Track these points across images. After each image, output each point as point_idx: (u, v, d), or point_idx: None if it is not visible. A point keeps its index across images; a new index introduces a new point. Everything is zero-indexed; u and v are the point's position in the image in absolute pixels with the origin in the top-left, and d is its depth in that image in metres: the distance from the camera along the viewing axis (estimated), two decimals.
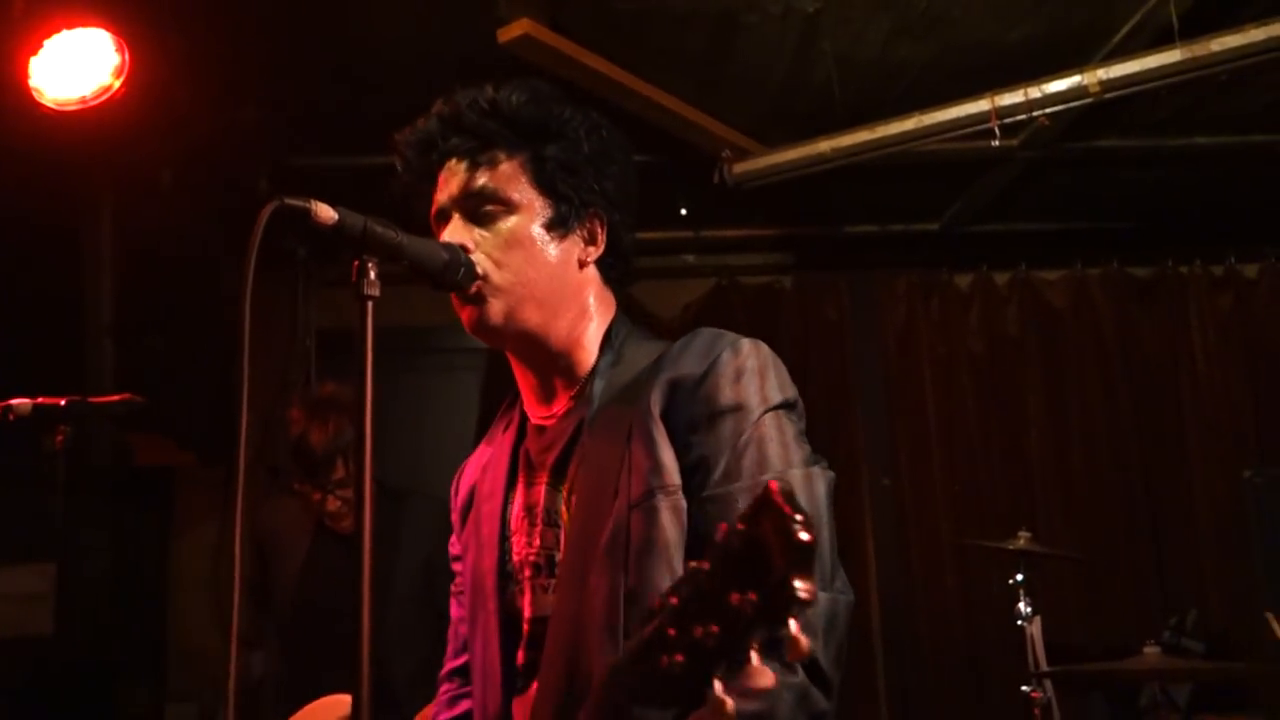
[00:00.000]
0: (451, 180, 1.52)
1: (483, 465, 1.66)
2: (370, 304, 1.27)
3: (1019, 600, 3.88)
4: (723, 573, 0.81)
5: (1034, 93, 3.53)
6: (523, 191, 1.50)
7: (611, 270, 1.59)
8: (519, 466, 1.59)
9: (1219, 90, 3.90)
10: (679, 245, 5.29)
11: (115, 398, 2.27)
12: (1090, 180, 4.90)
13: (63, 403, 2.20)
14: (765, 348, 1.46)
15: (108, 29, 2.80)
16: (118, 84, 2.75)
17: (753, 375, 1.41)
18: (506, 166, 1.51)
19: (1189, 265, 5.38)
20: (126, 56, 2.78)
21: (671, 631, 0.84)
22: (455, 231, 1.49)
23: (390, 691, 2.82)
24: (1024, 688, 3.79)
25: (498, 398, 1.64)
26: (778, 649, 0.78)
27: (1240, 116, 4.26)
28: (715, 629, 0.80)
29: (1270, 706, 4.38)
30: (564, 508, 1.49)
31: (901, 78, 3.86)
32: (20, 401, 2.17)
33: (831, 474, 1.41)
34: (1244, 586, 4.76)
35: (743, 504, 1.23)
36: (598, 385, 1.51)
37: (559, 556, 1.48)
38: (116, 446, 3.82)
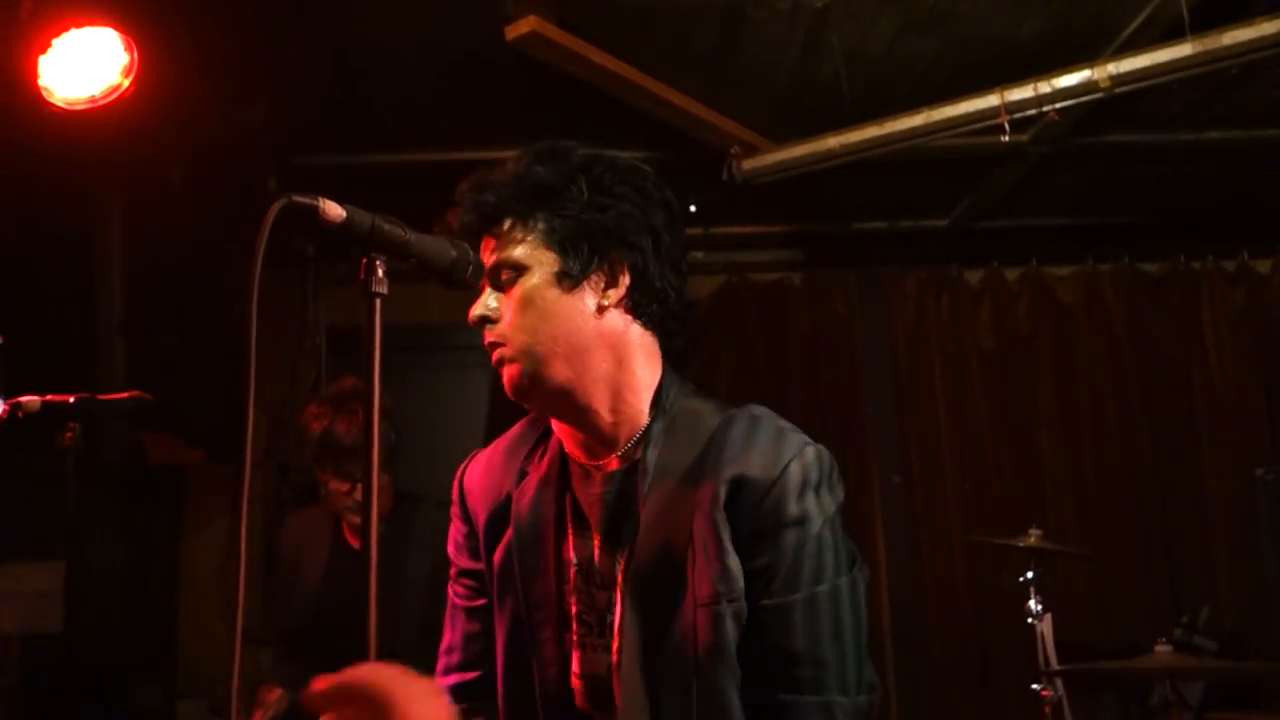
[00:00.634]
0: (484, 254, 1.56)
1: (513, 478, 1.64)
2: (378, 301, 1.27)
3: (1030, 598, 3.87)
4: None
5: (1044, 88, 3.51)
6: (531, 253, 1.52)
7: (645, 311, 1.56)
8: (566, 513, 1.59)
9: (1230, 84, 3.88)
10: (689, 242, 5.27)
11: (124, 395, 2.28)
12: (1101, 175, 4.88)
13: (72, 400, 2.21)
14: (826, 455, 1.50)
15: (116, 28, 2.80)
16: (127, 83, 2.75)
17: (816, 486, 1.46)
18: (516, 232, 1.54)
19: (1201, 261, 5.36)
20: (135, 55, 2.78)
21: None
22: (477, 305, 1.55)
23: None
24: (1034, 685, 3.78)
25: (507, 396, 1.63)
26: None
27: (1252, 111, 4.24)
28: None
29: None
30: (619, 576, 1.52)
31: (910, 73, 3.85)
32: (30, 399, 2.17)
33: (868, 570, 1.52)
34: (1256, 584, 4.74)
35: (799, 616, 1.42)
36: (651, 456, 1.52)
37: (614, 621, 1.51)
38: (127, 445, 3.83)
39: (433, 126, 3.99)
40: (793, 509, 1.43)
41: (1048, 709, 3.75)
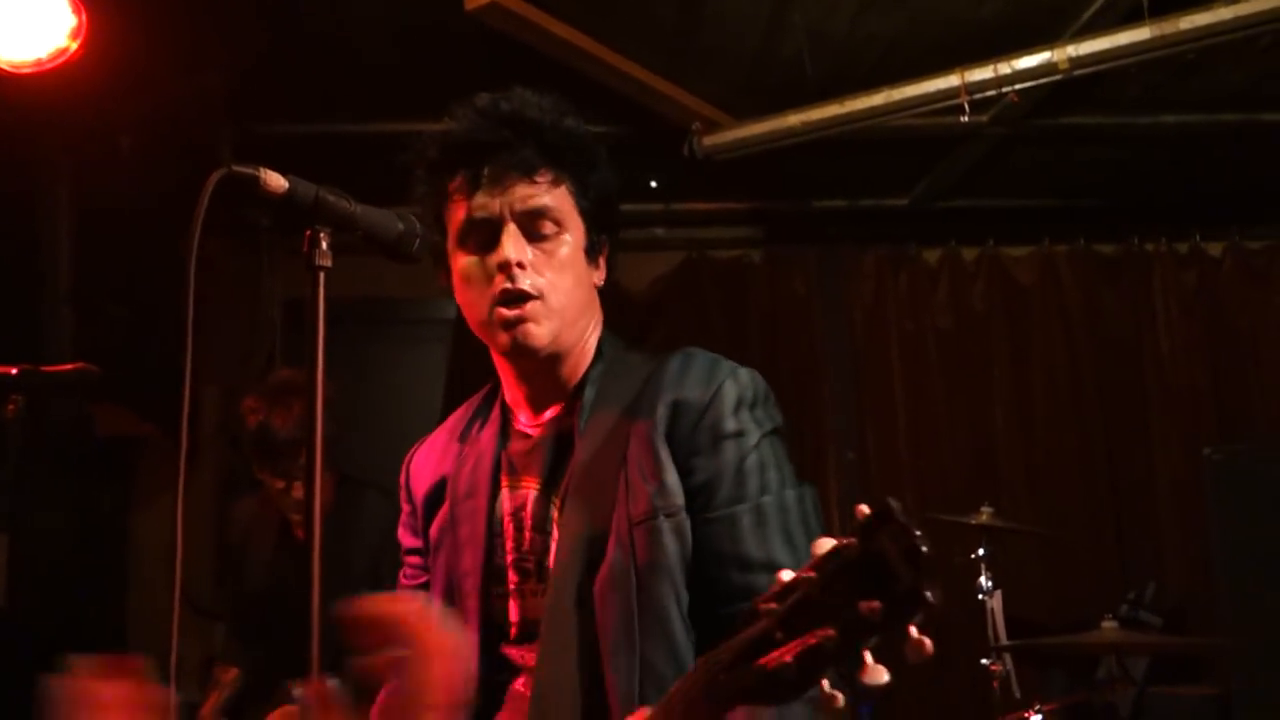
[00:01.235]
0: (509, 190, 1.51)
1: (452, 458, 1.66)
2: (322, 275, 1.25)
3: (980, 574, 3.91)
4: (837, 581, 0.88)
5: (1004, 69, 3.53)
6: (570, 217, 1.54)
7: (603, 291, 1.65)
8: (501, 469, 1.60)
9: (1187, 69, 3.91)
10: (649, 218, 5.27)
11: (70, 367, 2.23)
12: (1058, 158, 4.92)
13: (15, 372, 2.16)
14: (760, 377, 1.54)
15: None
16: (75, 46, 2.69)
17: (751, 404, 1.50)
18: (560, 189, 1.54)
19: (1154, 243, 5.42)
20: (84, 18, 2.71)
21: (779, 635, 0.91)
22: (516, 247, 1.49)
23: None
24: (984, 660, 3.83)
25: (464, 369, 1.63)
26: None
27: (1209, 95, 4.28)
28: (831, 632, 0.86)
29: (1225, 678, 4.45)
30: (555, 515, 1.52)
31: (872, 52, 3.85)
32: None
33: (815, 490, 1.53)
34: (1202, 561, 4.82)
35: (746, 523, 1.42)
36: (588, 393, 1.55)
37: (550, 562, 1.51)
38: (75, 417, 3.77)
39: (391, 96, 3.94)
40: (729, 424, 1.47)
41: (996, 684, 3.80)
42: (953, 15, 3.63)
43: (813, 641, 0.87)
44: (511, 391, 1.63)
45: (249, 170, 1.21)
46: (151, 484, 4.93)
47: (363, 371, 4.79)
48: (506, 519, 1.58)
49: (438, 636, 1.00)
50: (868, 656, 0.87)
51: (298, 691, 2.79)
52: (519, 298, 1.49)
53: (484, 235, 1.52)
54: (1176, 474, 5.11)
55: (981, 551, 3.93)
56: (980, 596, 3.91)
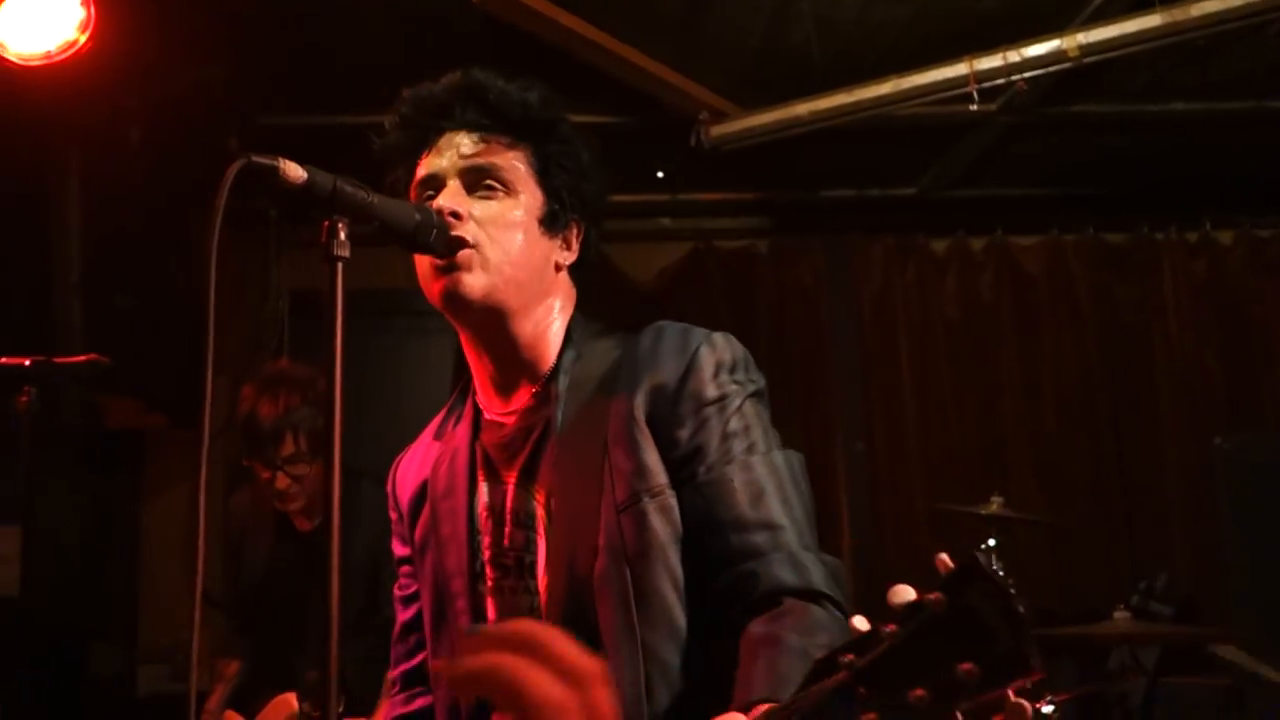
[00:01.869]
0: (455, 148, 1.51)
1: (432, 461, 1.64)
2: (340, 265, 1.24)
3: (991, 565, 3.90)
4: (925, 638, 0.85)
5: (1013, 57, 3.51)
6: (523, 182, 1.52)
7: (576, 276, 1.61)
8: (477, 463, 1.58)
9: (1197, 56, 3.89)
10: (655, 208, 5.26)
11: (81, 358, 2.24)
12: (1067, 146, 4.90)
13: (27, 363, 2.17)
14: (735, 340, 1.51)
15: None
16: (83, 39, 2.70)
17: (731, 368, 1.47)
18: (513, 154, 1.52)
19: (1164, 232, 5.40)
20: (92, 11, 2.72)
21: (861, 691, 0.88)
22: (452, 196, 1.47)
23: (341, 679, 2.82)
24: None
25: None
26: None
27: (1218, 83, 4.26)
28: (922, 693, 0.83)
29: (1236, 669, 4.44)
30: (539, 510, 1.49)
31: (880, 40, 3.83)
32: None
33: (801, 455, 1.49)
34: (1213, 551, 4.81)
35: (738, 483, 1.39)
36: (562, 382, 1.52)
37: (537, 559, 1.49)
38: (86, 408, 3.78)
39: (398, 88, 3.93)
40: (710, 391, 1.45)
41: None
42: (961, 3, 3.61)
43: (902, 701, 0.85)
44: (478, 376, 1.59)
45: (268, 160, 1.21)
46: (161, 475, 4.95)
47: (370, 363, 4.80)
48: (484, 515, 1.55)
49: (578, 665, 0.95)
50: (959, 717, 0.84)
51: (312, 676, 2.80)
52: (451, 242, 1.44)
53: (431, 193, 1.50)
54: (1187, 463, 5.10)
55: (992, 542, 3.93)
56: None
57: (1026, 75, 3.56)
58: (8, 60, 2.69)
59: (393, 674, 1.71)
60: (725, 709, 1.27)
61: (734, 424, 1.44)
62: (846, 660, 0.90)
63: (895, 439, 5.21)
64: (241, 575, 3.20)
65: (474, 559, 1.54)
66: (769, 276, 5.34)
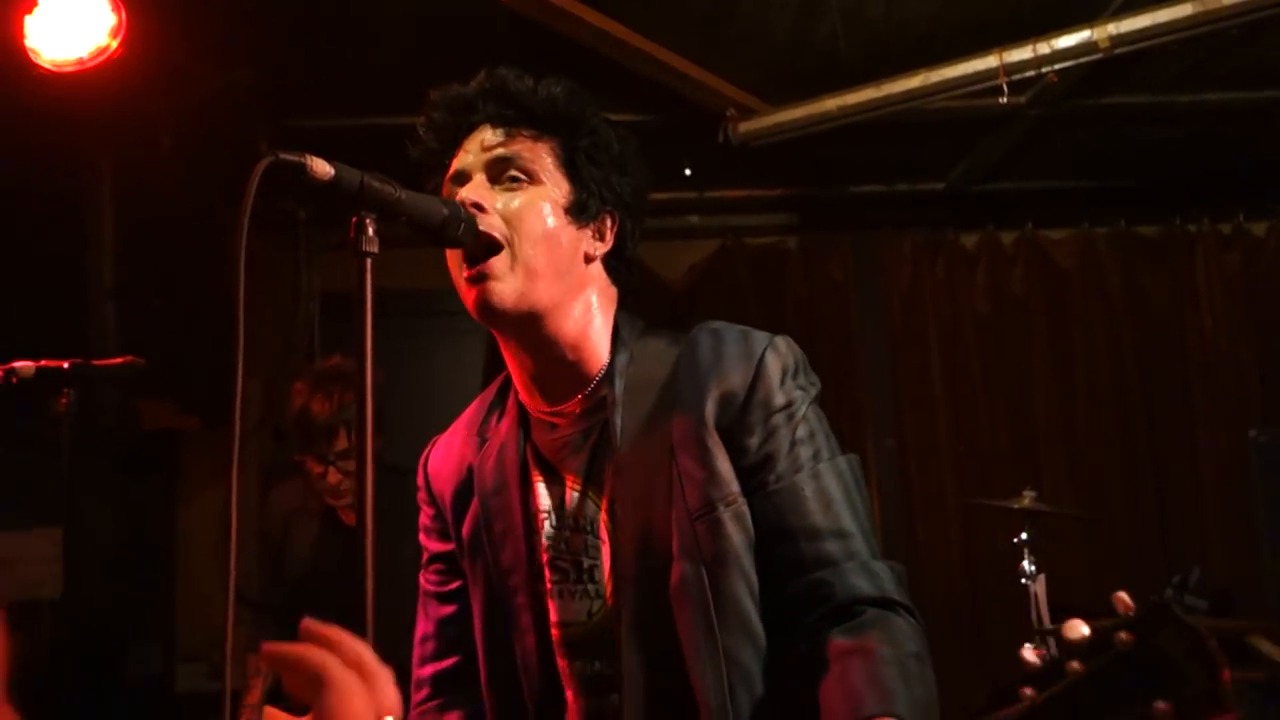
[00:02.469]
0: (479, 143, 1.52)
1: (473, 455, 1.62)
2: (369, 261, 1.24)
3: (1023, 559, 3.88)
4: (1112, 676, 0.90)
5: (1043, 49, 3.49)
6: (549, 173, 1.51)
7: (615, 273, 1.60)
8: (529, 462, 1.57)
9: (1230, 45, 3.85)
10: (683, 206, 5.26)
11: (118, 360, 2.27)
12: (1098, 138, 4.85)
13: (66, 366, 2.20)
14: (794, 343, 1.53)
15: None
16: (115, 44, 2.72)
17: (794, 373, 1.50)
18: (539, 145, 1.52)
19: (1197, 224, 5.34)
20: (123, 16, 2.75)
21: None
22: (475, 189, 1.48)
23: (402, 675, 2.84)
24: (1027, 645, 3.80)
25: (503, 360, 1.61)
26: None
27: (1252, 72, 4.21)
28: None
29: (1271, 661, 4.39)
30: (602, 515, 1.50)
31: (908, 34, 3.81)
32: (23, 364, 2.16)
33: (859, 458, 1.54)
34: (1247, 545, 4.76)
35: (809, 491, 1.42)
36: (618, 385, 1.51)
37: (599, 564, 1.49)
38: (122, 411, 3.82)
39: (426, 89, 3.95)
40: (778, 398, 1.47)
41: None
42: None
43: None
44: (518, 377, 1.58)
45: (295, 157, 1.21)
46: (195, 477, 5.00)
47: (402, 364, 4.82)
48: (541, 514, 1.55)
49: (350, 670, 1.03)
50: None
51: None
52: (480, 241, 1.44)
53: (459, 189, 1.51)
54: (1221, 456, 5.05)
55: (1024, 536, 3.90)
56: (1023, 581, 3.88)
57: (1057, 67, 3.53)
58: (41, 66, 2.72)
59: (421, 674, 1.66)
60: (804, 714, 1.32)
61: (801, 431, 1.47)
62: (1026, 693, 0.94)
63: (926, 434, 5.18)
64: (285, 571, 3.22)
65: (531, 557, 1.54)
66: (798, 273, 5.33)
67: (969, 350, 5.25)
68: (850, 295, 5.31)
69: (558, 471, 1.55)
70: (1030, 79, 3.70)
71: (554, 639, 1.53)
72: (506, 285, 1.45)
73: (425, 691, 1.66)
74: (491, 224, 1.45)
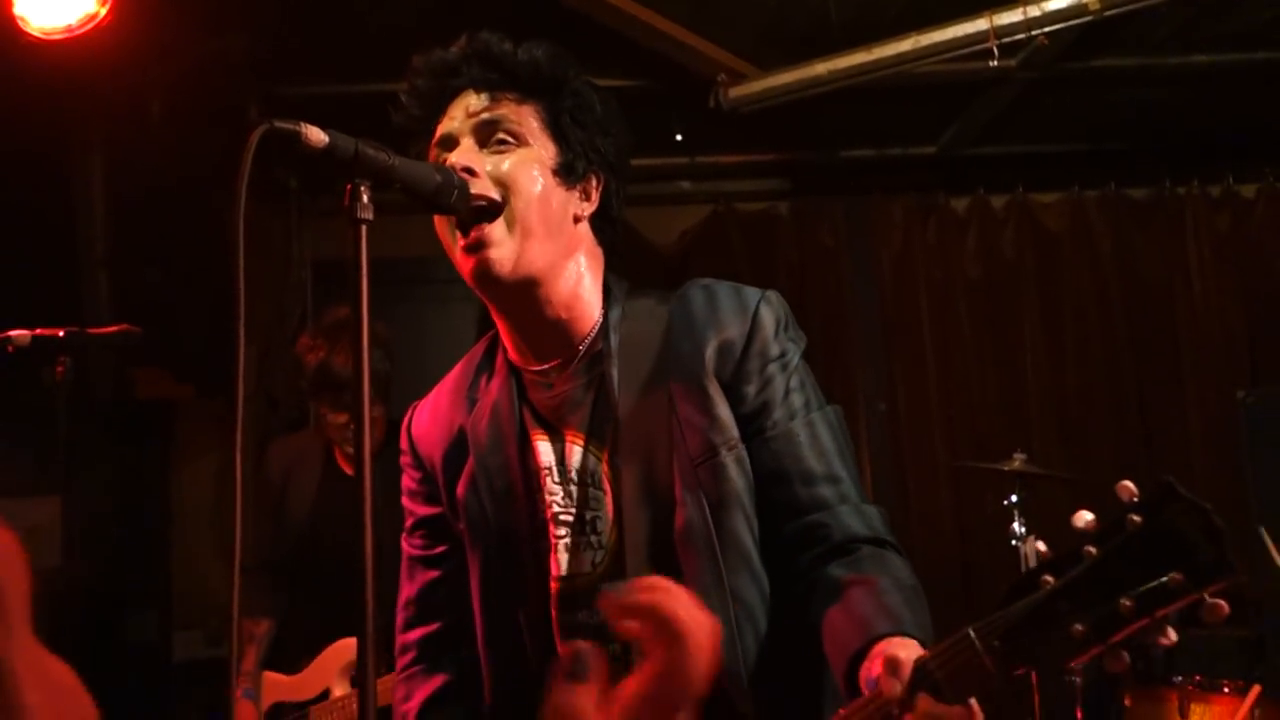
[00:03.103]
0: (465, 107, 1.53)
1: (463, 416, 1.62)
2: (364, 228, 1.25)
3: (1014, 521, 3.92)
4: (1125, 555, 0.97)
5: (1033, 11, 3.48)
6: (535, 135, 1.53)
7: (601, 233, 1.61)
8: (527, 421, 1.58)
9: (1219, 6, 3.85)
10: (674, 171, 5.25)
11: (113, 329, 2.27)
12: (1088, 101, 4.85)
13: (61, 334, 2.20)
14: (782, 297, 1.59)
15: None
16: (104, 11, 2.70)
17: (786, 326, 1.56)
18: (524, 107, 1.53)
19: (1186, 186, 5.36)
20: None
21: (1062, 604, 1.00)
22: (464, 153, 1.49)
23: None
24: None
25: (494, 328, 1.62)
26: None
27: (1241, 33, 4.21)
28: (1129, 602, 0.96)
29: (1258, 622, 4.45)
30: (604, 468, 1.52)
31: None
32: (19, 333, 2.17)
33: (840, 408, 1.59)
34: (1237, 506, 4.81)
35: (803, 438, 1.48)
36: (614, 340, 1.54)
37: (603, 515, 1.52)
38: (117, 379, 3.82)
39: (416, 54, 3.93)
40: (774, 348, 1.52)
41: None
42: None
43: (1108, 611, 0.97)
44: (508, 337, 1.59)
45: (290, 125, 1.22)
46: (189, 444, 5.01)
47: (391, 331, 4.82)
48: (544, 471, 1.56)
49: (697, 625, 1.11)
50: (1165, 623, 0.96)
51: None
52: (474, 204, 1.45)
53: (447, 155, 1.51)
54: (1210, 418, 5.09)
55: (1015, 498, 3.94)
56: (1014, 543, 3.92)
57: (1047, 30, 3.53)
58: (29, 34, 2.71)
59: (406, 638, 1.66)
60: (801, 650, 1.39)
61: (794, 380, 1.52)
62: (1045, 580, 1.02)
63: (917, 397, 5.21)
64: (285, 522, 3.25)
65: (533, 514, 1.56)
66: (789, 238, 5.33)
67: (960, 314, 5.27)
68: (842, 260, 5.32)
69: (558, 428, 1.56)
70: (1020, 42, 3.69)
71: (552, 592, 1.55)
72: (504, 251, 1.46)
73: (411, 655, 1.67)
74: (484, 187, 1.46)
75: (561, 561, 1.54)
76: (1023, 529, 3.91)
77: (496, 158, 1.50)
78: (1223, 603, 0.94)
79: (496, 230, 1.46)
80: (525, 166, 1.49)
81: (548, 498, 1.55)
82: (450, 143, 1.52)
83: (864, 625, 1.30)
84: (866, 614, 1.32)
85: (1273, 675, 3.44)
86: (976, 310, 5.28)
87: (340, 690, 3.03)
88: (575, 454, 1.55)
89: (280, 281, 4.95)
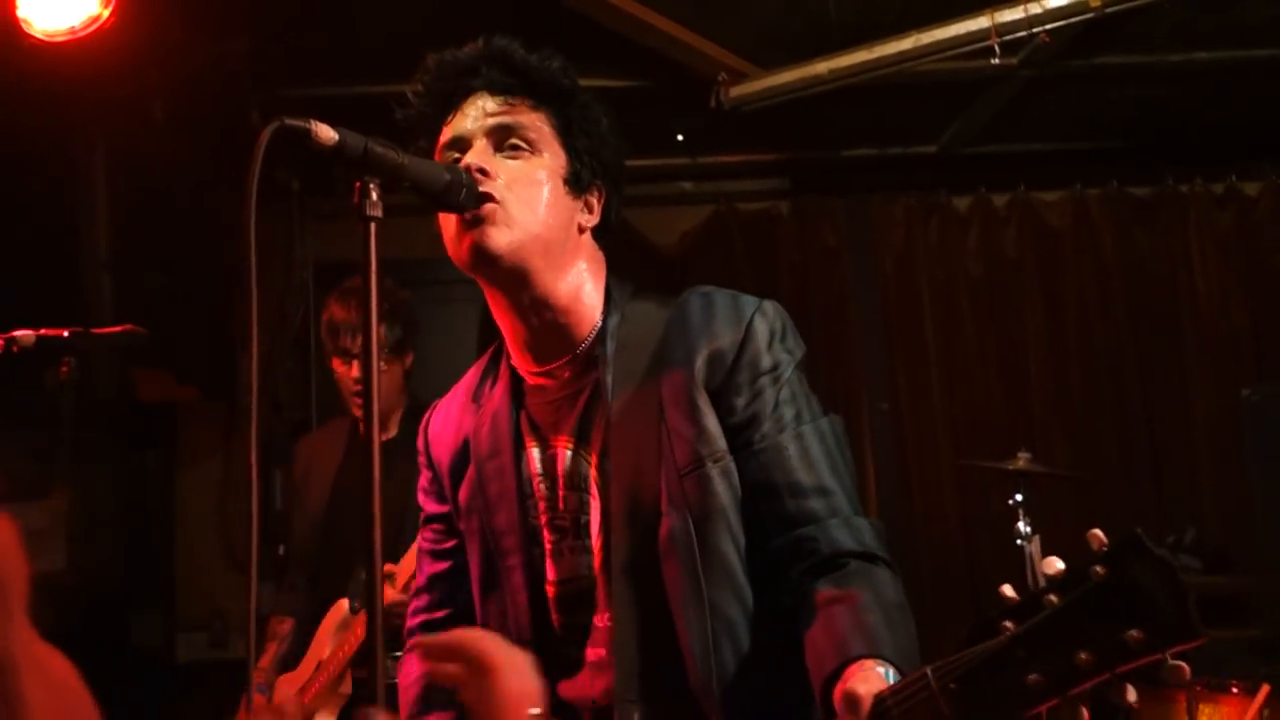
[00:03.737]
0: (480, 109, 1.54)
1: (471, 422, 1.66)
2: (374, 225, 1.26)
3: (1018, 520, 3.92)
4: (1087, 607, 0.95)
5: (1034, 9, 3.48)
6: (548, 143, 1.55)
7: (601, 241, 1.64)
8: (522, 427, 1.61)
9: (1221, 3, 3.84)
10: (676, 172, 5.25)
11: (118, 329, 2.28)
12: (1090, 99, 4.85)
13: (66, 334, 2.21)
14: (781, 307, 1.58)
15: None
16: (106, 13, 2.71)
17: (781, 337, 1.54)
18: (537, 114, 1.55)
19: (1189, 184, 5.35)
20: None
21: (1020, 652, 0.98)
22: (479, 154, 1.50)
23: None
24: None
25: (498, 329, 1.64)
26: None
27: (1242, 30, 4.20)
28: (1087, 656, 0.94)
29: (1267, 622, 4.44)
30: (592, 471, 1.54)
31: None
32: (24, 333, 2.17)
33: (840, 419, 1.58)
34: (1241, 504, 4.80)
35: (792, 451, 1.46)
36: (609, 346, 1.55)
37: (590, 519, 1.53)
38: (120, 382, 3.82)
39: (419, 57, 3.93)
40: (765, 361, 1.51)
41: None
42: None
43: (1066, 663, 0.95)
44: (510, 340, 1.61)
45: (301, 123, 1.23)
46: (192, 447, 5.01)
47: None
48: (536, 478, 1.59)
49: (502, 656, 1.13)
50: (1124, 680, 0.94)
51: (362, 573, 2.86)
52: (479, 198, 1.46)
53: (457, 155, 1.53)
54: (1214, 416, 5.08)
55: (1019, 497, 3.93)
56: (1019, 542, 3.92)
57: (1049, 27, 3.52)
58: (32, 36, 2.71)
59: (413, 624, 1.73)
60: (786, 666, 1.37)
61: (785, 393, 1.51)
62: (1005, 625, 1.00)
63: (920, 397, 5.20)
64: (304, 511, 3.29)
65: (525, 518, 1.58)
66: (790, 237, 5.33)
67: (962, 313, 5.27)
68: (843, 260, 5.32)
69: (550, 434, 1.59)
70: (1022, 39, 3.69)
71: (550, 596, 1.57)
72: (500, 234, 1.48)
73: (418, 639, 1.71)
74: (494, 188, 1.47)
75: (556, 566, 1.57)
76: (1027, 528, 3.90)
77: (509, 163, 1.51)
78: (1184, 665, 0.92)
79: (496, 212, 1.48)
80: (536, 174, 1.52)
81: (541, 504, 1.58)
82: (463, 144, 1.54)
83: (840, 645, 1.30)
84: (843, 633, 1.31)
85: None
86: (979, 309, 5.28)
87: (326, 653, 3.00)
88: (566, 459, 1.57)
89: (281, 284, 4.95)
